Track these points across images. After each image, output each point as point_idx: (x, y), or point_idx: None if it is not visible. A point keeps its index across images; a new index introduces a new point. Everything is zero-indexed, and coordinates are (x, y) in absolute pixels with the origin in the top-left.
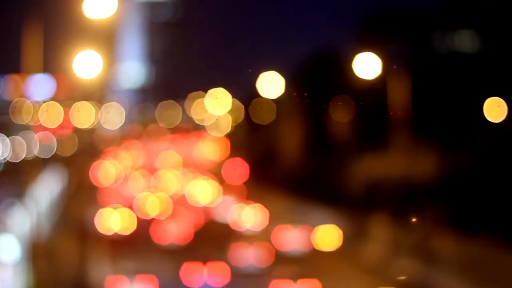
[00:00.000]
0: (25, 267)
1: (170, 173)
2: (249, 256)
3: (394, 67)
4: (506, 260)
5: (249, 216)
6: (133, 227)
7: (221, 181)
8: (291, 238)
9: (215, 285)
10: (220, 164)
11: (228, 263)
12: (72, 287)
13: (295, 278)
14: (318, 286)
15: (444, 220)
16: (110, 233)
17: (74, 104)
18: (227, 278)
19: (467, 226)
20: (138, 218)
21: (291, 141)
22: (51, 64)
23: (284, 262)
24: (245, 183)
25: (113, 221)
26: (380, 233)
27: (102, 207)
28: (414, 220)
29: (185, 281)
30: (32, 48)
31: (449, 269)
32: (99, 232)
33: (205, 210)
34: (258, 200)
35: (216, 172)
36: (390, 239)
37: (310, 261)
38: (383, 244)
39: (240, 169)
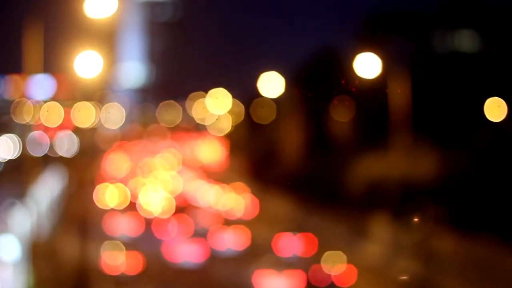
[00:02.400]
0: (25, 266)
1: (166, 172)
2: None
3: (395, 67)
4: (507, 260)
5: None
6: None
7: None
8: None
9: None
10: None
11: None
12: (72, 286)
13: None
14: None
15: (445, 220)
16: (107, 208)
17: (74, 104)
18: (206, 256)
19: (467, 226)
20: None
21: (291, 140)
22: (52, 64)
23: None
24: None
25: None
26: (380, 233)
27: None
28: (415, 220)
29: (167, 257)
30: (32, 48)
31: (450, 269)
32: (102, 233)
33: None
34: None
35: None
36: (390, 239)
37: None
38: (383, 244)
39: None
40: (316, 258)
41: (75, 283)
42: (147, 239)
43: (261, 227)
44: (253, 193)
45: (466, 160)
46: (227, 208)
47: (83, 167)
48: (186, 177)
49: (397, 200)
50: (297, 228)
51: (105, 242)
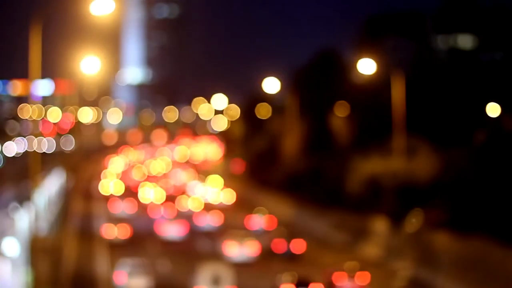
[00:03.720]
0: (25, 266)
1: (162, 169)
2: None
3: (394, 68)
4: (500, 257)
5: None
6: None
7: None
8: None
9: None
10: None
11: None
12: (71, 285)
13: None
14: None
15: (444, 219)
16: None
17: (76, 107)
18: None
19: (465, 226)
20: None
21: (290, 141)
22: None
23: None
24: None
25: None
26: (379, 233)
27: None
28: (413, 220)
29: (157, 231)
30: (35, 53)
31: (448, 268)
32: (103, 236)
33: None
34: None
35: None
36: (389, 239)
37: None
38: (382, 243)
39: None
40: (276, 233)
41: (75, 282)
42: (141, 217)
43: (237, 211)
44: (233, 186)
45: (464, 160)
46: (211, 197)
47: (84, 166)
48: (180, 174)
49: (396, 200)
50: (263, 212)
51: (106, 217)
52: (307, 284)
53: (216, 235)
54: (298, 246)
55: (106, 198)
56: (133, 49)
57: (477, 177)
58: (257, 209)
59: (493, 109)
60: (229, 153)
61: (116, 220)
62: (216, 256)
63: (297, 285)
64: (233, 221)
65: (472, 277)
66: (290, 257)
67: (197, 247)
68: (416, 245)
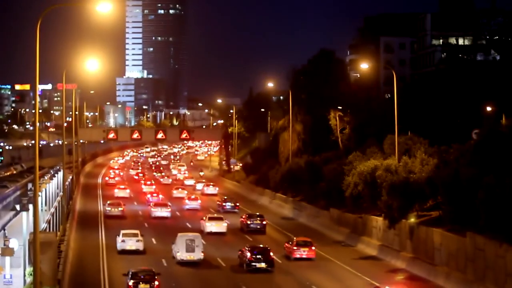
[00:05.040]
0: (27, 264)
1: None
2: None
3: (391, 68)
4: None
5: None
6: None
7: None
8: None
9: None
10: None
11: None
12: (72, 283)
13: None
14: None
15: (443, 217)
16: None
17: (77, 110)
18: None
19: (461, 222)
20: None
21: (290, 143)
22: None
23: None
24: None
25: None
26: (378, 231)
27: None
28: (412, 219)
29: (150, 211)
30: (36, 58)
31: (446, 266)
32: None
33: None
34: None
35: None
36: (388, 238)
37: None
38: (380, 242)
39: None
40: (242, 214)
41: (75, 279)
42: (139, 200)
43: (217, 198)
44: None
45: (462, 159)
46: (202, 188)
47: (84, 167)
48: (179, 168)
49: (395, 199)
50: (234, 200)
51: (108, 201)
52: (259, 249)
53: (196, 214)
54: (261, 223)
55: (110, 186)
56: (134, 48)
57: (473, 174)
58: (228, 196)
59: (489, 108)
60: (228, 151)
61: (114, 202)
62: (194, 229)
63: (251, 249)
64: (212, 204)
65: (468, 272)
66: (253, 232)
67: (181, 220)
68: (413, 241)
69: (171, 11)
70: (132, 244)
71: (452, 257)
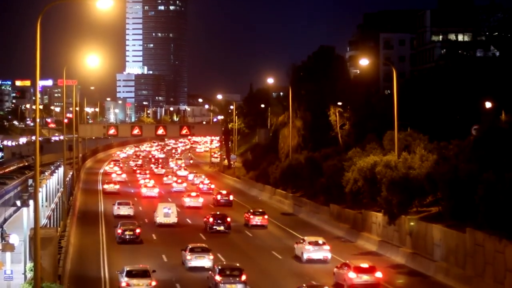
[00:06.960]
0: (27, 260)
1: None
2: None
3: (391, 65)
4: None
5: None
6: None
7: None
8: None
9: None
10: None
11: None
12: (73, 280)
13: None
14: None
15: (442, 213)
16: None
17: (77, 106)
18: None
19: (464, 219)
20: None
21: (289, 139)
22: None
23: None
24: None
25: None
26: (378, 227)
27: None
28: (412, 223)
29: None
30: (37, 54)
31: (446, 262)
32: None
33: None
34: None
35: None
36: (388, 233)
37: None
38: (380, 237)
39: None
40: (216, 191)
41: (76, 277)
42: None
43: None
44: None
45: (461, 156)
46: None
47: (84, 165)
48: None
49: (396, 197)
50: (211, 183)
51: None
52: (219, 216)
53: (181, 194)
54: (229, 197)
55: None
56: (134, 44)
57: (472, 170)
58: (204, 177)
59: (488, 104)
60: (228, 147)
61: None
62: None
63: (213, 216)
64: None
65: (468, 268)
66: (223, 205)
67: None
68: (413, 236)
69: (171, 7)
70: (125, 210)
71: (451, 252)
